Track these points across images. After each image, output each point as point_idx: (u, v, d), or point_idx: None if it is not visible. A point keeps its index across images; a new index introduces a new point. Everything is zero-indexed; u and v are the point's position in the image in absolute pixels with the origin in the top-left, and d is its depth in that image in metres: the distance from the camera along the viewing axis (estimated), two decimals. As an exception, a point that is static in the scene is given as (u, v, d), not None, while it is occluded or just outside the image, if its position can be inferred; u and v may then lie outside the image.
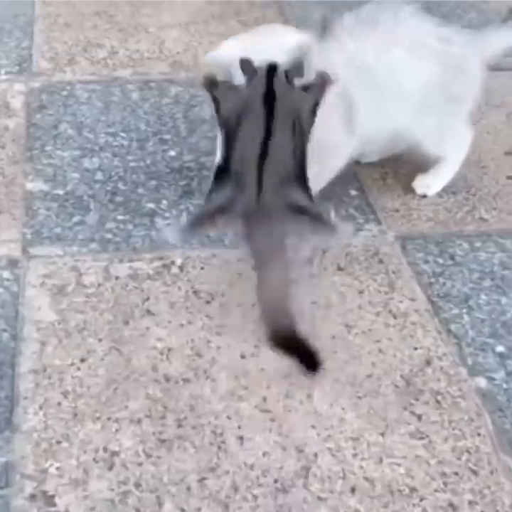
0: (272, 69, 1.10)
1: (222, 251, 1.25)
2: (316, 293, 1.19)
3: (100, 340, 1.08)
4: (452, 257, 1.28)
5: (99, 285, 1.17)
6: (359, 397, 1.03)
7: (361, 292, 1.20)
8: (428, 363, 1.09)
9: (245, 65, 1.11)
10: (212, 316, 1.13)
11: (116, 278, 1.18)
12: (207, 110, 1.57)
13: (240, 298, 1.16)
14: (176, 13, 1.91)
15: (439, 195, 1.41)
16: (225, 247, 1.26)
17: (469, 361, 1.09)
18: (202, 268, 1.21)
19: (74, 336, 1.08)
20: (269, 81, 1.10)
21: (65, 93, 1.57)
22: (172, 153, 1.45)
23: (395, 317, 1.16)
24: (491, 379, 1.07)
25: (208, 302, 1.16)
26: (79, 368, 1.03)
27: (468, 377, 1.07)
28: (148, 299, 1.15)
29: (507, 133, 1.58)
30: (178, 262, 1.22)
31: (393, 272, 1.24)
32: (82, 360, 1.04)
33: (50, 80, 1.61)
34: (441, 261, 1.27)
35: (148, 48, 1.76)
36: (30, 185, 1.33)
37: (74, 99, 1.56)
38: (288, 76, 1.11)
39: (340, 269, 1.24)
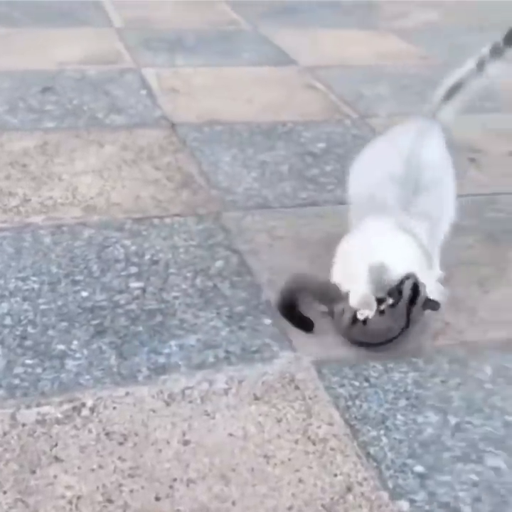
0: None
1: (136, 388, 1.22)
2: (233, 424, 1.16)
3: (5, 492, 1.01)
4: (367, 379, 1.28)
5: (5, 433, 1.11)
6: (280, 532, 0.98)
7: (279, 420, 1.18)
8: (349, 489, 1.06)
9: (386, 288, 1.29)
10: (125, 457, 1.09)
11: (23, 425, 1.13)
12: (120, 250, 1.60)
13: (154, 436, 1.12)
14: (89, 160, 1.98)
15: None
16: (139, 383, 1.23)
17: (390, 484, 1.07)
18: (114, 408, 1.18)
19: (-25, 490, 1.01)
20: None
21: (-25, 240, 1.58)
22: (84, 293, 1.45)
23: (314, 443, 1.14)
24: (412, 501, 1.05)
25: (120, 443, 1.11)
26: (-21, 526, 0.96)
27: (389, 501, 1.05)
28: (56, 444, 1.09)
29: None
30: (89, 403, 1.18)
31: (310, 398, 1.23)
32: (-17, 517, 0.97)
33: (-39, 228, 1.62)
34: (356, 383, 1.27)
35: (61, 194, 1.80)
36: None
37: (-16, 246, 1.56)
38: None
39: (256, 398, 1.22)
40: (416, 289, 1.30)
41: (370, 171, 1.53)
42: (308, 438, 1.15)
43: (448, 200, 1.54)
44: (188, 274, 1.54)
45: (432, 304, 1.33)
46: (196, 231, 1.71)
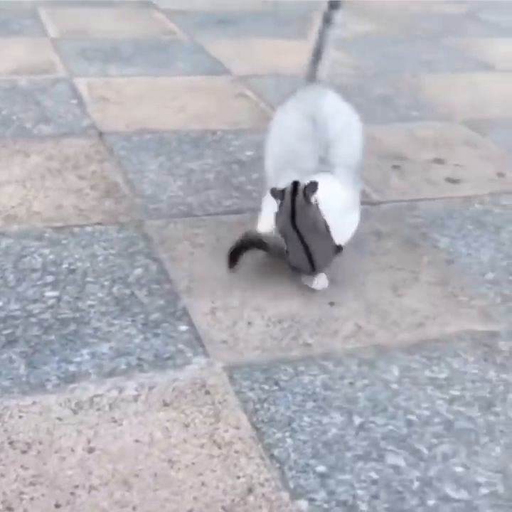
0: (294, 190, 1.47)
1: (43, 397, 1.22)
2: (140, 431, 1.17)
3: None
4: (277, 383, 1.31)
5: None
6: (179, 535, 0.99)
7: (187, 425, 1.19)
8: (250, 490, 1.08)
9: (275, 192, 1.50)
10: (28, 466, 1.08)
11: None
12: (38, 259, 1.60)
13: (59, 444, 1.12)
14: (13, 170, 1.97)
15: (266, 324, 1.47)
16: (47, 392, 1.23)
17: (291, 484, 1.10)
18: (20, 417, 1.17)
19: None
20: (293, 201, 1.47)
21: None
22: (-2, 303, 1.44)
23: (219, 447, 1.15)
24: (311, 500, 1.07)
25: (23, 452, 1.11)
26: None
27: (289, 501, 1.07)
28: (-43, 455, 1.09)
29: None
30: (-6, 413, 1.17)
31: (219, 402, 1.25)
32: None
33: None
34: (266, 387, 1.30)
35: (-19, 204, 1.79)
36: None
37: None
38: (306, 193, 1.46)
39: (166, 404, 1.24)
40: (296, 185, 1.47)
41: (284, 134, 1.69)
42: (214, 442, 1.16)
43: (357, 145, 1.70)
44: (106, 283, 1.55)
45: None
46: (117, 239, 1.71)
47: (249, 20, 3.74)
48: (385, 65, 3.21)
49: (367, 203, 1.98)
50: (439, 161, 2.27)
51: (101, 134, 2.26)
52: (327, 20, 1.81)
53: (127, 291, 1.52)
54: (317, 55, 1.81)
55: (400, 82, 2.98)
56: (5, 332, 1.36)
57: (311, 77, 1.79)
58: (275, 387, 1.30)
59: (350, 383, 1.32)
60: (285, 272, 1.63)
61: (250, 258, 1.67)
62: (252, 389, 1.29)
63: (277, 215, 1.52)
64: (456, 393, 1.32)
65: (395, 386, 1.32)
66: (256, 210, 1.89)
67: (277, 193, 1.51)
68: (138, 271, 1.60)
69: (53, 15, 3.52)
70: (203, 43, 3.29)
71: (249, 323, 1.46)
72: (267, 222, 1.57)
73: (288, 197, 1.48)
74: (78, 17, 3.52)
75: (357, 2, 4.34)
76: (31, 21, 3.38)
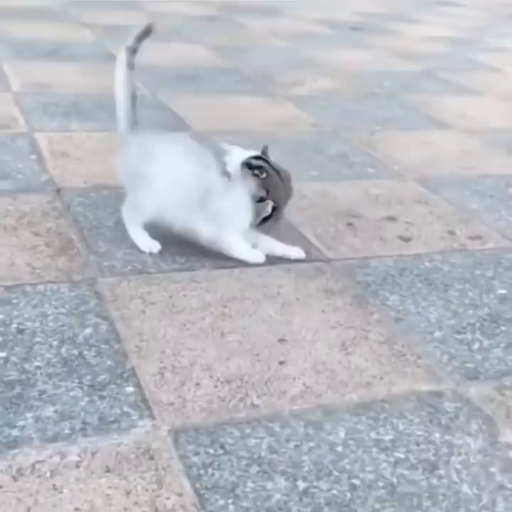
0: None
1: None
2: (80, 498, 1.15)
3: None
4: (222, 446, 1.31)
5: None
6: None
7: (128, 493, 1.18)
8: (189, 560, 1.07)
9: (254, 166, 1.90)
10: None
11: None
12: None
13: (-5, 514, 1.10)
14: (-33, 227, 1.97)
15: (215, 385, 1.47)
16: None
17: (232, 553, 1.09)
18: None
19: None
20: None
21: None
22: None
23: (160, 515, 1.15)
24: None
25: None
26: None
27: None
28: None
29: (280, 320, 1.71)
30: None
31: (163, 468, 1.24)
32: None
33: None
34: (211, 451, 1.29)
35: None
36: None
37: None
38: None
39: (108, 470, 1.22)
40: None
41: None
42: (156, 510, 1.15)
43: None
44: (54, 343, 1.54)
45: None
46: (68, 298, 1.71)
47: (211, 77, 3.82)
48: (342, 122, 3.29)
49: (319, 260, 2.02)
50: (391, 219, 2.32)
51: (59, 190, 2.27)
52: (131, 65, 2.04)
53: (75, 352, 1.52)
54: (133, 100, 2.02)
55: (356, 139, 3.06)
56: None
57: (133, 123, 2.02)
58: (220, 451, 1.29)
59: (296, 446, 1.32)
60: (238, 329, 1.64)
61: (201, 313, 1.68)
62: (196, 453, 1.28)
63: (262, 187, 1.87)
64: (401, 456, 1.33)
65: (340, 449, 1.33)
66: (207, 268, 1.92)
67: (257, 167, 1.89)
68: (88, 330, 1.60)
69: (17, 69, 3.56)
70: (165, 99, 3.34)
71: (198, 384, 1.46)
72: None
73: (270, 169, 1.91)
74: (41, 71, 3.56)
75: (315, 59, 4.47)
76: (-5, 75, 3.42)
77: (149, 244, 1.96)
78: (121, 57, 2.03)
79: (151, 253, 1.94)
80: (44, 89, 3.27)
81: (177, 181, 1.88)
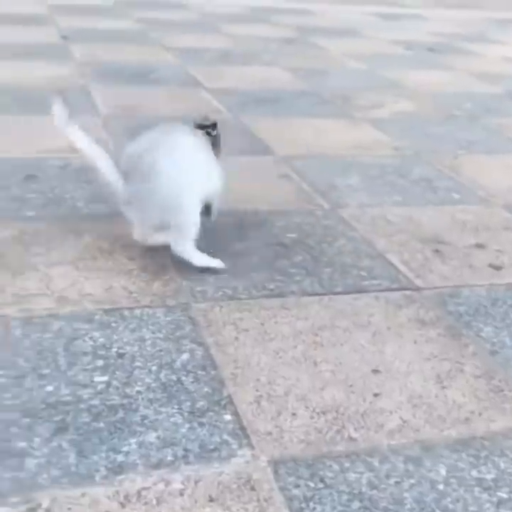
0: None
1: (92, 489, 1.24)
2: (186, 527, 1.18)
3: None
4: (322, 480, 1.31)
5: (-41, 536, 1.12)
6: None
7: (232, 523, 1.20)
8: None
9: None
10: (76, 561, 1.10)
11: (-23, 527, 1.14)
12: (88, 342, 1.64)
13: (107, 539, 1.14)
14: (66, 250, 2.04)
15: (311, 416, 1.47)
16: (96, 484, 1.25)
17: None
18: (69, 509, 1.19)
19: None
20: None
21: None
22: (49, 388, 1.48)
23: (265, 548, 1.15)
24: None
25: (73, 546, 1.12)
26: None
27: None
28: (8, 548, 1.11)
29: (373, 350, 1.70)
30: (45, 504, 1.19)
31: (265, 500, 1.25)
32: None
33: None
34: (312, 484, 1.30)
35: (35, 285, 1.85)
36: None
37: (-46, 339, 1.59)
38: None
39: (211, 499, 1.24)
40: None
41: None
42: (260, 541, 1.16)
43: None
44: (153, 368, 1.58)
45: None
46: (164, 323, 1.75)
47: (291, 100, 3.85)
48: (424, 145, 3.26)
49: (408, 288, 2.00)
50: (480, 246, 2.28)
51: (149, 214, 2.33)
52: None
53: (174, 377, 1.55)
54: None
55: (439, 163, 3.03)
56: (56, 418, 1.39)
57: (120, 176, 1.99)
58: (321, 485, 1.29)
59: (397, 482, 1.31)
60: (331, 358, 1.64)
61: (293, 341, 1.69)
62: (297, 486, 1.29)
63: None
64: (504, 496, 1.30)
65: (441, 487, 1.31)
66: (297, 294, 1.93)
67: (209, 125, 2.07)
68: (184, 356, 1.63)
69: (103, 92, 3.67)
70: (246, 123, 3.39)
71: (294, 414, 1.47)
72: None
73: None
74: (128, 95, 3.67)
75: (393, 81, 4.45)
76: (81, 98, 3.53)
77: (217, 260, 2.01)
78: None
79: (222, 267, 2.00)
80: (131, 113, 3.37)
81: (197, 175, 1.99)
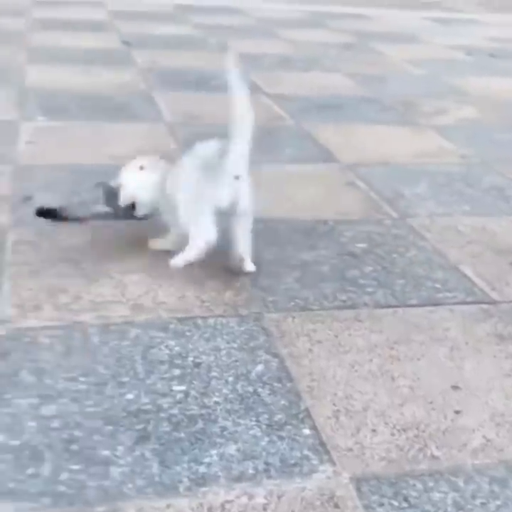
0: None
1: (176, 500, 1.24)
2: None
3: None
4: (406, 499, 1.28)
5: (49, 543, 1.14)
6: None
7: (317, 541, 1.18)
8: None
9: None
10: None
11: (67, 535, 1.15)
12: (164, 351, 1.65)
13: (194, 552, 1.14)
14: (139, 258, 2.05)
15: (391, 432, 1.45)
16: (180, 495, 1.25)
17: None
18: (155, 519, 1.20)
19: None
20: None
21: (27, 339, 1.64)
22: (130, 396, 1.49)
23: None
24: None
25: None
26: None
27: None
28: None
29: (451, 366, 1.67)
30: (131, 514, 1.20)
31: (349, 517, 1.24)
32: None
33: (15, 326, 1.68)
34: (395, 503, 1.27)
35: (110, 292, 1.87)
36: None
37: (36, 346, 1.62)
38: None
39: (295, 516, 1.23)
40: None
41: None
42: (347, 561, 1.15)
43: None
44: (230, 378, 1.57)
45: None
46: (238, 333, 1.75)
47: (352, 106, 3.82)
48: (491, 153, 3.20)
49: (485, 301, 1.96)
50: (557, 259, 2.22)
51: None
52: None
53: (250, 389, 1.55)
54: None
55: (508, 171, 2.96)
56: (137, 427, 1.40)
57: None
58: (405, 504, 1.27)
59: (482, 504, 1.28)
60: (408, 373, 1.62)
61: (368, 354, 1.67)
62: (381, 504, 1.27)
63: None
64: None
65: (530, 510, 1.27)
66: (370, 306, 1.90)
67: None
68: (259, 367, 1.62)
69: (167, 98, 3.71)
70: (309, 129, 3.38)
71: (374, 431, 1.45)
72: None
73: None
74: (191, 101, 3.70)
75: (455, 87, 4.38)
76: (147, 105, 3.58)
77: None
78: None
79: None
80: (196, 120, 3.39)
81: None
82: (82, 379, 1.53)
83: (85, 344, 1.65)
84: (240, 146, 1.94)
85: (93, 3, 6.52)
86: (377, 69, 4.76)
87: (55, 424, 1.39)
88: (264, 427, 1.44)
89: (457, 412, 1.51)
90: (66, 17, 5.80)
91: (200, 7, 6.78)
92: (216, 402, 1.50)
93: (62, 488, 1.24)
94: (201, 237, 1.96)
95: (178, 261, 2.01)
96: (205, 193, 1.95)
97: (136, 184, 2.08)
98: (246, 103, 1.94)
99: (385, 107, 3.86)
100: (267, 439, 1.41)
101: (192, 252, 1.98)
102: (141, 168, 2.09)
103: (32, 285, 1.87)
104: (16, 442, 1.33)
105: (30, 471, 1.27)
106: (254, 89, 4.06)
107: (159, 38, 5.28)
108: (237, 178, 1.95)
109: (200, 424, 1.43)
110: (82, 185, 2.54)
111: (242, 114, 1.93)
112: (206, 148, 2.00)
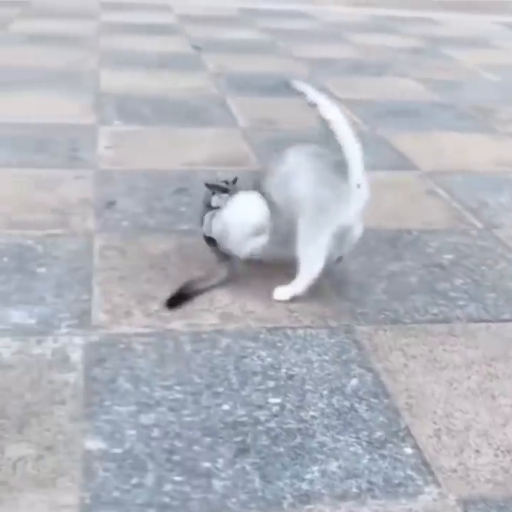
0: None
1: None
2: None
3: None
4: (519, 526, 1.23)
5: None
6: None
7: None
8: None
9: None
10: None
11: (175, 548, 1.14)
12: (257, 362, 1.63)
13: None
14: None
15: (495, 454, 1.40)
16: (284, 511, 1.23)
17: None
18: (262, 537, 1.17)
19: None
20: None
21: (122, 346, 1.64)
22: (225, 407, 1.48)
23: None
24: None
25: None
26: None
27: None
28: None
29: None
30: (238, 530, 1.18)
31: (459, 543, 1.19)
32: None
33: (108, 332, 1.69)
34: (507, 530, 1.23)
35: (199, 299, 1.86)
36: (89, 444, 1.34)
37: (130, 353, 1.62)
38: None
39: (404, 538, 1.19)
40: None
41: None
42: None
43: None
44: (324, 392, 1.54)
45: None
46: (329, 345, 1.72)
47: (427, 112, 3.75)
48: None
49: None
50: None
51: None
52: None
53: (347, 404, 1.51)
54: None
55: None
56: (236, 439, 1.39)
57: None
58: (517, 531, 1.22)
59: None
60: (508, 392, 1.56)
61: (466, 371, 1.62)
62: (492, 530, 1.22)
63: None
64: None
65: None
66: (463, 321, 1.85)
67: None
68: (354, 381, 1.59)
69: (240, 103, 3.71)
70: (385, 135, 3.32)
71: (477, 452, 1.40)
72: None
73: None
74: (264, 106, 3.69)
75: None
76: (221, 111, 3.58)
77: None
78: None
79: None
80: (270, 125, 3.38)
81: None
82: (177, 388, 1.52)
83: (178, 352, 1.64)
84: (354, 151, 1.78)
85: (160, 7, 6.57)
86: (449, 74, 4.67)
87: (155, 433, 1.38)
88: (364, 444, 1.40)
89: None
90: (134, 21, 5.86)
91: (265, 11, 6.77)
92: (313, 417, 1.47)
93: (166, 500, 1.23)
94: (317, 264, 1.79)
95: (285, 294, 1.84)
96: (328, 210, 1.76)
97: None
98: (334, 109, 1.85)
99: (460, 113, 3.77)
100: (368, 457, 1.37)
101: (303, 283, 1.82)
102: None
103: (122, 291, 1.87)
104: (119, 450, 1.33)
105: (134, 480, 1.26)
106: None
107: (227, 42, 5.29)
108: (358, 186, 1.79)
109: (298, 439, 1.40)
110: (163, 190, 2.55)
111: (337, 120, 1.81)
112: (313, 158, 1.84)
